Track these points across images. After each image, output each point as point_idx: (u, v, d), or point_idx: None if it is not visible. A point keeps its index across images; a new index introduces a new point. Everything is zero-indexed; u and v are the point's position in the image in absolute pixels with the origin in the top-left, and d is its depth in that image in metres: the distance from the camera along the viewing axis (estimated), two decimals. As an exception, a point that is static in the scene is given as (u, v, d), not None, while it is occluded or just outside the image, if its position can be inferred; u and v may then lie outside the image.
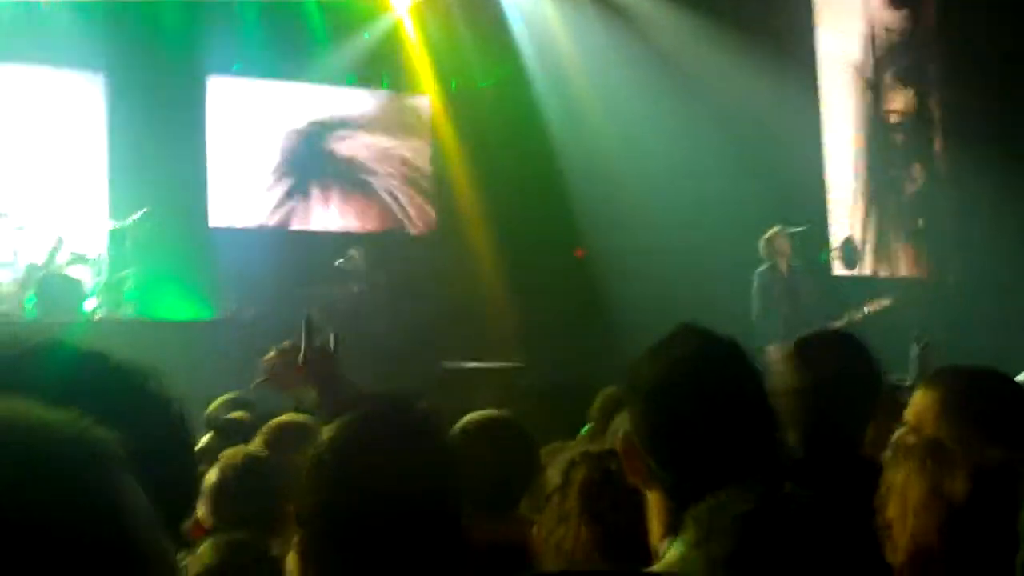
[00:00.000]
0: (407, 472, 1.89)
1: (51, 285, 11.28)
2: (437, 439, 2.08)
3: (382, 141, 15.44)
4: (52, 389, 1.07)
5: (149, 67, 13.13)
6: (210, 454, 4.00)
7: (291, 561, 2.01)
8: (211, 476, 3.57)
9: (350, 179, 15.17)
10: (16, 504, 0.76)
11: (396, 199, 15.41)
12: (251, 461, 3.68)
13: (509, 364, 11.12)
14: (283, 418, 4.24)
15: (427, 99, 15.57)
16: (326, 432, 1.99)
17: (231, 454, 3.73)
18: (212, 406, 5.37)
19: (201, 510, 3.46)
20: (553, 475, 2.70)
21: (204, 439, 4.55)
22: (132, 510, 0.83)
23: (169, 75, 13.33)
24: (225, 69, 14.31)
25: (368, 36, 14.94)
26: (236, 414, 4.95)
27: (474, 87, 15.28)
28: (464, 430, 3.47)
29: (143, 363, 1.39)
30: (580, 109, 14.41)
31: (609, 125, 14.21)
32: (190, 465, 1.50)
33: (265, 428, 4.19)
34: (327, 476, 1.92)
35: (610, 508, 2.48)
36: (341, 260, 12.77)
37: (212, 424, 4.61)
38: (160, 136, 12.98)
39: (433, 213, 15.41)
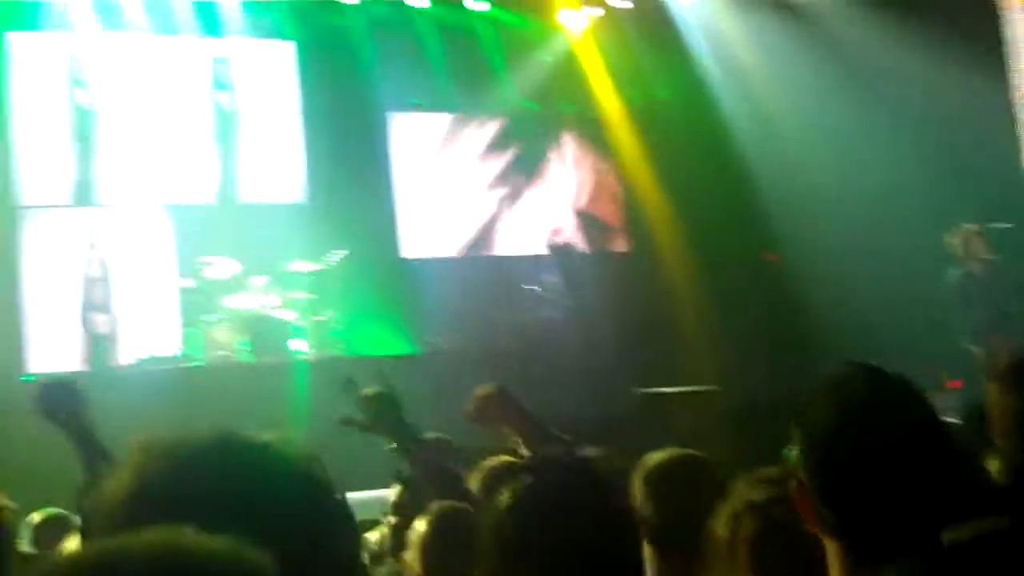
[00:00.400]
0: (585, 540, 1.92)
1: (262, 328, 11.74)
2: (614, 503, 2.09)
3: (567, 163, 15.50)
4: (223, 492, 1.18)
5: (337, 106, 13.57)
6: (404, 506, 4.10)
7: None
8: (420, 527, 3.65)
9: (537, 202, 15.28)
10: None
11: (585, 220, 15.44)
12: (458, 516, 3.69)
13: (704, 388, 10.91)
14: (496, 461, 4.25)
15: (609, 117, 15.57)
16: (504, 499, 2.01)
17: (442, 506, 3.76)
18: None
19: (410, 556, 3.59)
20: (719, 527, 2.59)
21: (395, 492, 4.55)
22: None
23: (354, 113, 13.76)
24: (403, 105, 14.63)
25: (545, 59, 15.04)
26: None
27: (656, 101, 15.20)
28: (648, 477, 3.39)
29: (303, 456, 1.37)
30: (764, 115, 14.16)
31: (794, 130, 13.92)
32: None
33: (480, 470, 4.20)
34: (506, 544, 1.95)
35: (781, 562, 2.37)
36: (539, 286, 12.87)
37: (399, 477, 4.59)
38: (351, 173, 13.40)
39: (624, 233, 15.37)
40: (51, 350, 12.31)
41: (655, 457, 3.43)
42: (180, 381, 10.68)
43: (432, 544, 3.55)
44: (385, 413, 3.70)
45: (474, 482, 4.11)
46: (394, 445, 3.81)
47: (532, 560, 1.88)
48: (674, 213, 14.46)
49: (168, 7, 12.85)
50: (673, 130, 14.72)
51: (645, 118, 14.98)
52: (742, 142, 14.16)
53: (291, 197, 13.59)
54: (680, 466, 3.40)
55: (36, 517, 5.42)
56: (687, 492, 3.26)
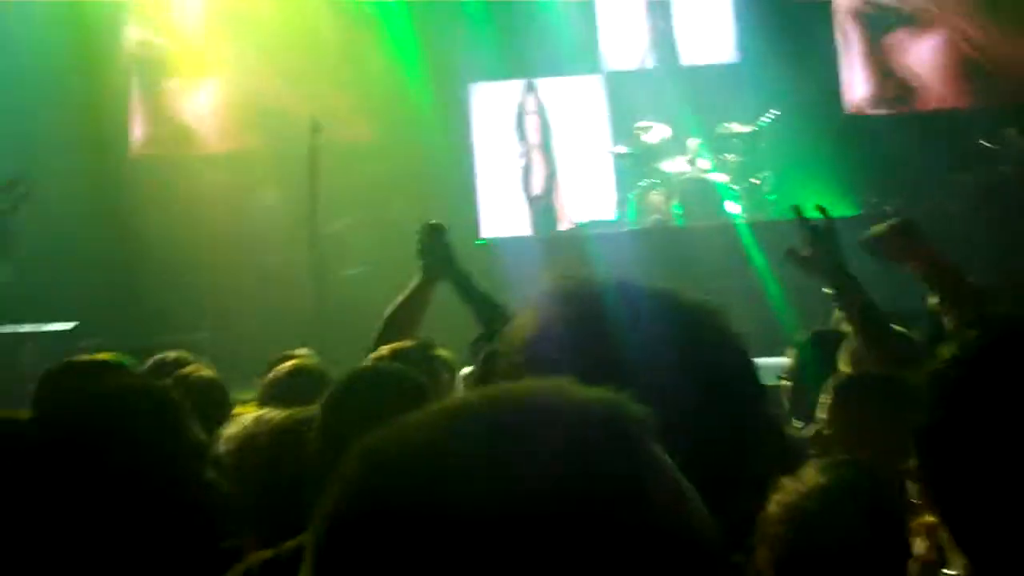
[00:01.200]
0: None
1: (694, 191, 11.67)
2: None
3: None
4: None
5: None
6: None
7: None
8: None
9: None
10: (545, 491, 0.76)
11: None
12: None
13: None
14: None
15: None
16: (948, 351, 1.68)
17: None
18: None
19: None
20: None
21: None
22: (656, 491, 0.81)
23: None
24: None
25: None
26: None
27: None
28: None
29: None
30: None
31: None
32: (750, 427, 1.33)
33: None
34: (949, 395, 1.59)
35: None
36: (998, 140, 11.78)
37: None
38: (784, 30, 12.87)
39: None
40: (499, 216, 13.03)
41: None
42: (615, 245, 10.87)
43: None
44: (825, 249, 3.49)
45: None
46: (831, 289, 3.59)
47: (976, 416, 1.52)
48: None
49: None
50: None
51: None
52: None
53: (723, 57, 13.31)
54: None
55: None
56: None
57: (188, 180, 12.37)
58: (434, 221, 3.82)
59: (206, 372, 3.92)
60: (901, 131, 13.06)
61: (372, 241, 10.95)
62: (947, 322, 3.45)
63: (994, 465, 1.45)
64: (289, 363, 3.91)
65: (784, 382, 3.94)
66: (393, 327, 3.70)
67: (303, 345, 5.06)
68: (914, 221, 3.50)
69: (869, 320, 3.43)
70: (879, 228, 3.51)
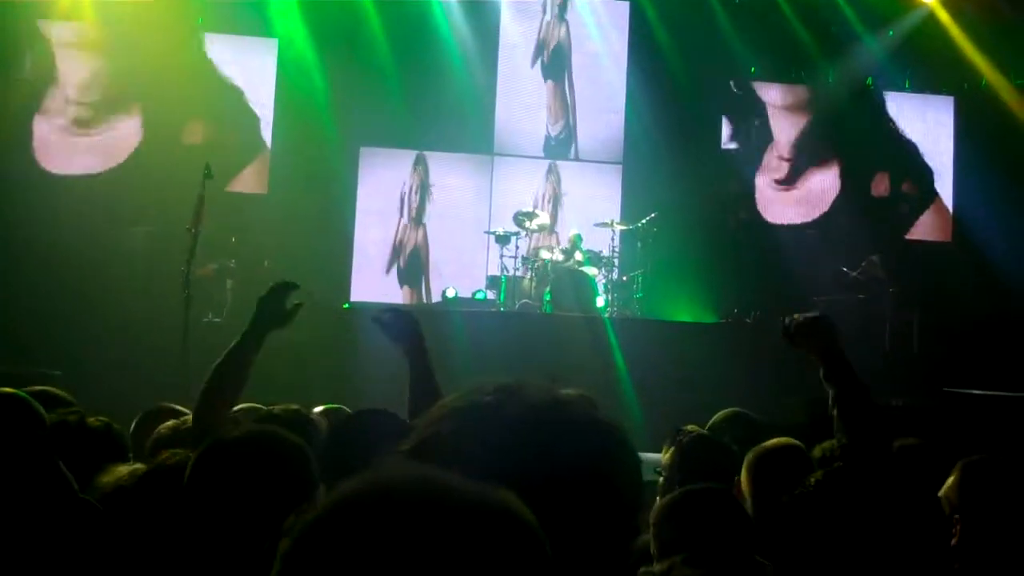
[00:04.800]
0: (888, 536, 1.77)
1: (565, 281, 11.91)
2: (923, 504, 1.91)
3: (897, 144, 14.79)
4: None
5: (664, 71, 13.60)
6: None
7: None
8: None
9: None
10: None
11: (913, 208, 14.70)
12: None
13: (1017, 393, 10.02)
14: (775, 444, 4.08)
15: (950, 100, 14.73)
16: (815, 476, 1.90)
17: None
18: (715, 418, 5.26)
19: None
20: None
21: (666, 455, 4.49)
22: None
23: (685, 78, 13.72)
24: (743, 72, 14.47)
25: (893, 34, 14.33)
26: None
27: (1009, 84, 14.15)
28: (965, 474, 3.24)
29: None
30: None
31: None
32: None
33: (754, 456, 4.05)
34: (807, 523, 1.83)
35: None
36: (858, 269, 12.32)
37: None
38: (675, 138, 13.34)
39: (948, 222, 14.52)
40: (372, 281, 13.13)
41: (973, 459, 3.22)
42: (482, 323, 11.02)
43: None
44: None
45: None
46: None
47: (831, 536, 1.76)
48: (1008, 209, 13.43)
49: None
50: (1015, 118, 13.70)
51: (989, 103, 14.02)
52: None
53: (612, 157, 13.77)
54: (1004, 472, 3.18)
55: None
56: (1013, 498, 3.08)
57: (55, 205, 12.17)
58: (286, 282, 3.86)
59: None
60: (777, 248, 13.61)
61: (237, 291, 10.90)
62: (835, 423, 3.64)
63: None
64: (172, 423, 3.92)
65: (660, 478, 4.06)
66: (221, 378, 3.71)
67: (161, 395, 5.02)
68: (827, 318, 3.74)
69: (851, 403, 3.63)
70: (799, 316, 3.73)
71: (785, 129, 14.59)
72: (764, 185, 14.45)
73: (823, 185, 14.55)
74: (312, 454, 2.43)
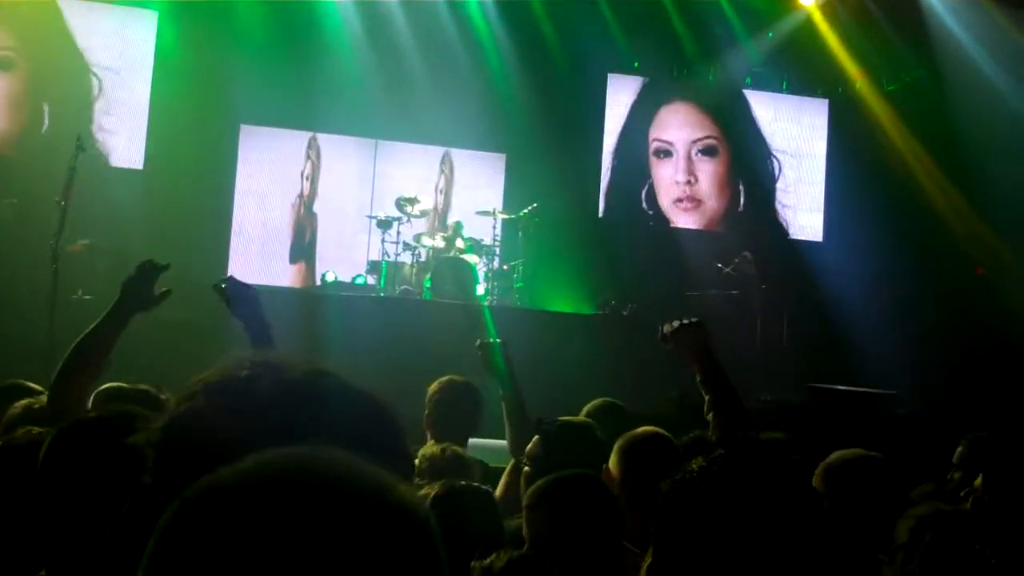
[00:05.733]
0: (773, 521, 1.80)
1: (446, 269, 11.92)
2: (803, 489, 1.95)
3: (776, 144, 15.14)
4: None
5: (549, 66, 13.67)
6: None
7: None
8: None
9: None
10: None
11: (784, 205, 15.10)
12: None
13: (880, 391, 10.40)
14: (645, 432, 4.14)
15: (825, 103, 15.16)
16: (696, 462, 1.93)
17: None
18: (587, 408, 5.31)
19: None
20: (902, 531, 2.57)
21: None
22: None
23: (569, 73, 13.84)
24: (626, 67, 14.67)
25: (772, 36, 14.66)
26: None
27: (880, 90, 14.64)
28: (829, 469, 3.41)
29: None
30: (991, 117, 13.26)
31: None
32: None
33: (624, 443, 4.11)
34: (689, 508, 1.85)
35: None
36: (732, 265, 12.58)
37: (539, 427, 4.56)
38: (556, 131, 13.45)
39: (820, 222, 14.96)
40: (250, 262, 12.92)
41: (839, 454, 3.48)
42: (360, 308, 10.97)
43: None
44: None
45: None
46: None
47: (711, 532, 1.80)
48: (880, 208, 13.89)
49: None
50: (890, 124, 14.15)
51: (863, 107, 14.49)
52: (965, 143, 13.36)
53: (493, 147, 13.81)
54: (862, 465, 3.44)
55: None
56: (867, 492, 3.32)
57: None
58: (154, 262, 3.75)
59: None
60: (649, 242, 13.84)
61: (106, 268, 10.61)
62: (710, 422, 3.77)
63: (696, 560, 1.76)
64: (25, 402, 3.78)
65: (525, 468, 4.07)
66: (82, 355, 3.59)
67: (25, 371, 4.86)
68: (702, 324, 3.90)
69: (724, 407, 3.76)
70: (674, 323, 3.89)
71: (672, 127, 14.83)
72: (667, 204, 14.65)
73: (712, 186, 14.83)
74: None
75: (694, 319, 3.97)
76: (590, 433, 4.23)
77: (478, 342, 4.93)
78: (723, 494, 1.80)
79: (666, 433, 3.98)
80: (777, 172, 15.04)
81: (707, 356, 3.82)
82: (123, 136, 12.79)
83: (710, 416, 3.84)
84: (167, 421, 1.33)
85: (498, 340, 4.99)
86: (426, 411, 4.92)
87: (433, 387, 4.97)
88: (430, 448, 4.15)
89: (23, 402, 3.82)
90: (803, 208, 15.07)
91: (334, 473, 0.98)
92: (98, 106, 12.79)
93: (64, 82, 12.72)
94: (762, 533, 1.75)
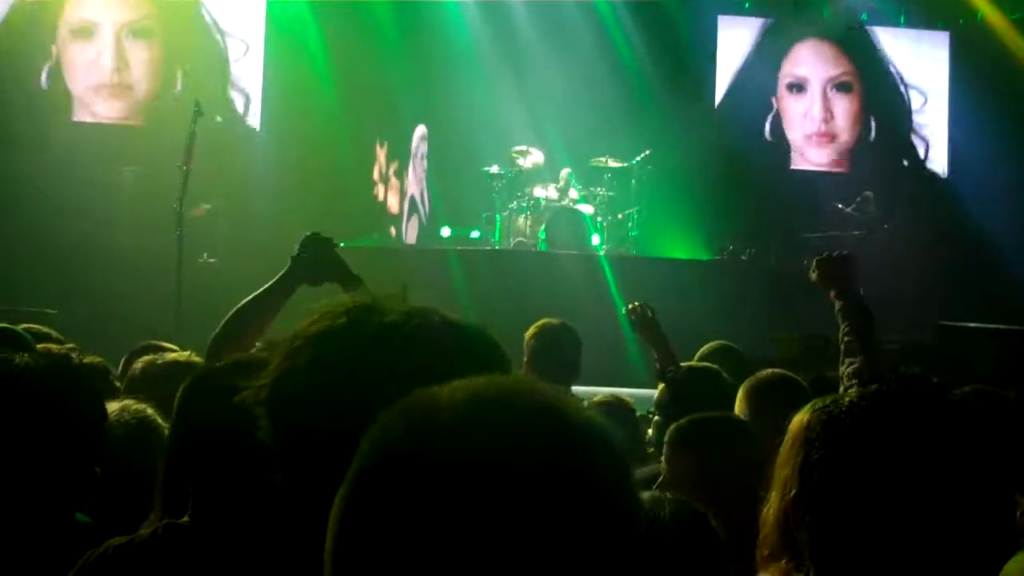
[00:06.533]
0: (941, 455, 1.74)
1: (560, 219, 11.89)
2: (970, 426, 1.88)
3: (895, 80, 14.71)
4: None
5: (658, 9, 13.47)
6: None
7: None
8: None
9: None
10: None
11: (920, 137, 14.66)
12: None
13: (1014, 327, 10.04)
14: (770, 373, 4.07)
15: (946, 36, 14.63)
16: (848, 396, 1.86)
17: None
18: (701, 351, 5.25)
19: None
20: None
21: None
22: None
23: (678, 17, 13.62)
24: (736, 9, 14.39)
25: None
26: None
27: (1003, 19, 14.05)
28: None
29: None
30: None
31: None
32: None
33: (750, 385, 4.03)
34: (840, 443, 1.79)
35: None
36: (853, 205, 12.29)
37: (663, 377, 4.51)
38: (669, 76, 13.25)
39: (945, 158, 14.50)
40: (368, 221, 13.06)
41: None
42: (477, 261, 11.04)
43: None
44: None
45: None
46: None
47: (862, 468, 1.71)
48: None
49: None
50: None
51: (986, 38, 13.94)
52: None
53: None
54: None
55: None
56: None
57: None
58: (318, 233, 3.77)
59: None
60: (769, 185, 13.57)
61: (230, 231, 10.86)
62: (845, 358, 3.76)
63: (863, 505, 1.66)
64: (170, 356, 3.84)
65: (655, 417, 4.05)
66: (242, 319, 3.63)
67: (154, 334, 4.98)
68: (853, 257, 4.01)
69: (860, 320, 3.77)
70: (824, 255, 3.87)
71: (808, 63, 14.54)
72: (798, 137, 14.40)
73: (847, 121, 14.55)
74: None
75: (844, 251, 4.07)
76: (716, 377, 4.18)
77: (627, 307, 5.05)
78: (888, 428, 1.73)
79: (792, 374, 3.91)
80: (909, 104, 14.59)
81: (851, 287, 3.86)
82: (242, 101, 13.02)
83: (843, 343, 3.80)
84: (273, 379, 1.33)
85: (642, 304, 5.04)
86: (524, 357, 4.78)
87: (530, 332, 4.84)
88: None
89: (144, 358, 3.87)
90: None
91: (544, 400, 0.98)
92: (232, 70, 13.02)
93: (196, 48, 12.96)
94: (928, 468, 1.69)
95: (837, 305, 3.85)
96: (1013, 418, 3.19)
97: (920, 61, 14.65)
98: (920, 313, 10.91)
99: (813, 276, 3.94)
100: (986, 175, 13.54)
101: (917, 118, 14.59)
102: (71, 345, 4.09)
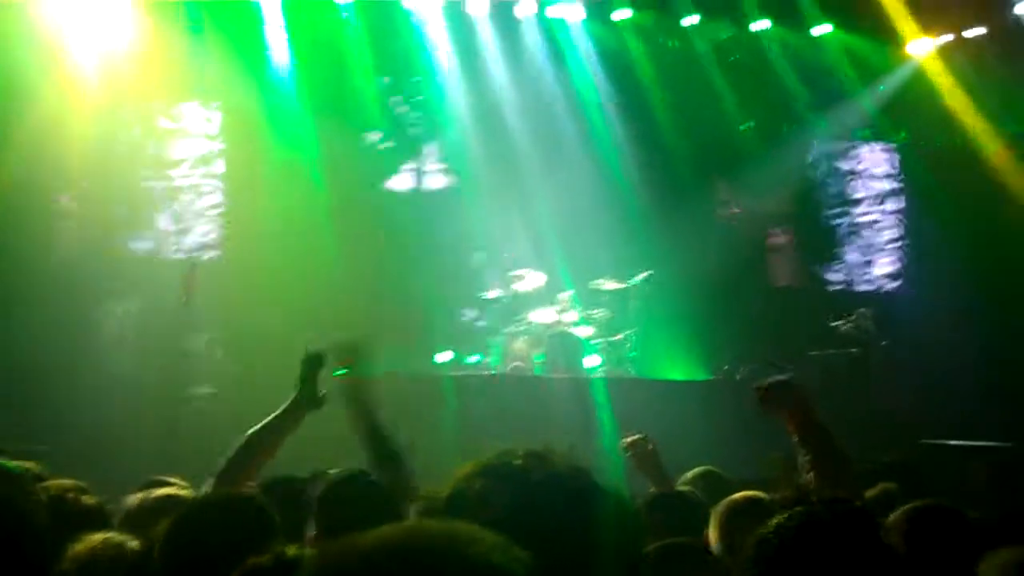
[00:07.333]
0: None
1: (558, 343, 11.93)
2: (878, 544, 1.93)
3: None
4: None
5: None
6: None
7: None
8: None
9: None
10: None
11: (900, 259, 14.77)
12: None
13: (998, 444, 9.95)
14: (740, 497, 4.08)
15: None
16: (775, 520, 1.93)
17: None
18: (688, 476, 5.25)
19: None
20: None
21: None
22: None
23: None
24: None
25: (884, 88, 14.52)
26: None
27: (1004, 135, 14.24)
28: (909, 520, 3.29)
29: None
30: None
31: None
32: None
33: (720, 509, 4.05)
34: (765, 564, 1.87)
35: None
36: (848, 322, 12.32)
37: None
38: (667, 196, 13.41)
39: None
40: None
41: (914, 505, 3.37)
42: (474, 386, 11.04)
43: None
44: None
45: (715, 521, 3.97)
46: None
47: None
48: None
49: None
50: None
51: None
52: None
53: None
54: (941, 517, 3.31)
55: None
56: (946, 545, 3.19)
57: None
58: (316, 350, 3.81)
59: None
60: (763, 304, 13.61)
61: (227, 361, 10.86)
62: (810, 480, 3.68)
63: None
64: (161, 491, 3.84)
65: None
66: (251, 449, 3.66)
67: (156, 470, 4.97)
68: (794, 381, 3.81)
69: (820, 450, 3.67)
70: (765, 381, 3.82)
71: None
72: None
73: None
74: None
75: (782, 377, 3.89)
76: (688, 501, 4.20)
77: (625, 442, 4.92)
78: (795, 551, 1.81)
79: (764, 496, 3.91)
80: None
81: (802, 414, 3.69)
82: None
83: (808, 476, 3.75)
84: (449, 495, 1.61)
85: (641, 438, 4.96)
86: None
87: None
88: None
89: (138, 495, 3.87)
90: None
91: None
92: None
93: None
94: None
95: (789, 429, 3.78)
96: (961, 537, 3.19)
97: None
98: (921, 431, 10.84)
99: (762, 407, 3.84)
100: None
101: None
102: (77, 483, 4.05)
